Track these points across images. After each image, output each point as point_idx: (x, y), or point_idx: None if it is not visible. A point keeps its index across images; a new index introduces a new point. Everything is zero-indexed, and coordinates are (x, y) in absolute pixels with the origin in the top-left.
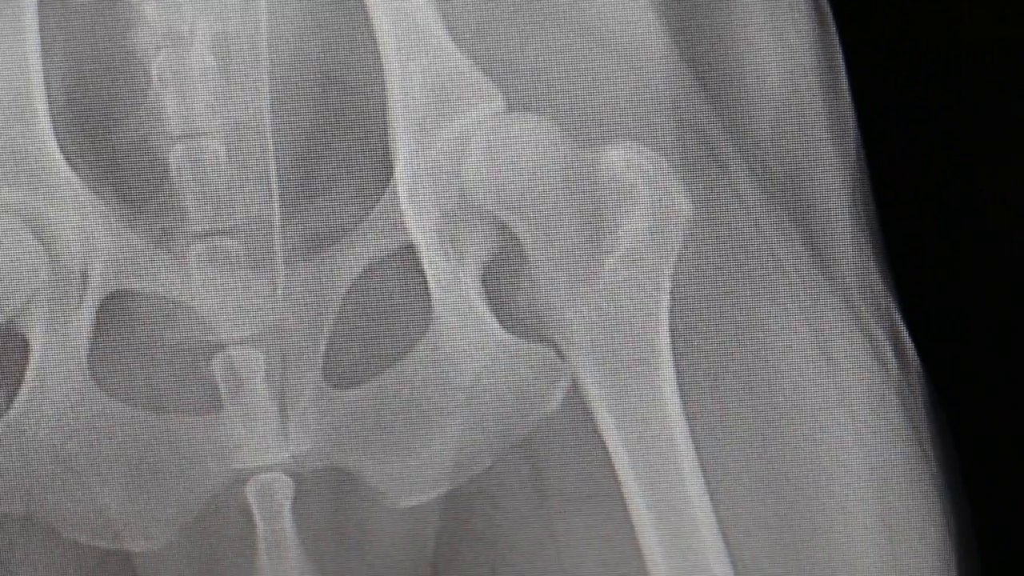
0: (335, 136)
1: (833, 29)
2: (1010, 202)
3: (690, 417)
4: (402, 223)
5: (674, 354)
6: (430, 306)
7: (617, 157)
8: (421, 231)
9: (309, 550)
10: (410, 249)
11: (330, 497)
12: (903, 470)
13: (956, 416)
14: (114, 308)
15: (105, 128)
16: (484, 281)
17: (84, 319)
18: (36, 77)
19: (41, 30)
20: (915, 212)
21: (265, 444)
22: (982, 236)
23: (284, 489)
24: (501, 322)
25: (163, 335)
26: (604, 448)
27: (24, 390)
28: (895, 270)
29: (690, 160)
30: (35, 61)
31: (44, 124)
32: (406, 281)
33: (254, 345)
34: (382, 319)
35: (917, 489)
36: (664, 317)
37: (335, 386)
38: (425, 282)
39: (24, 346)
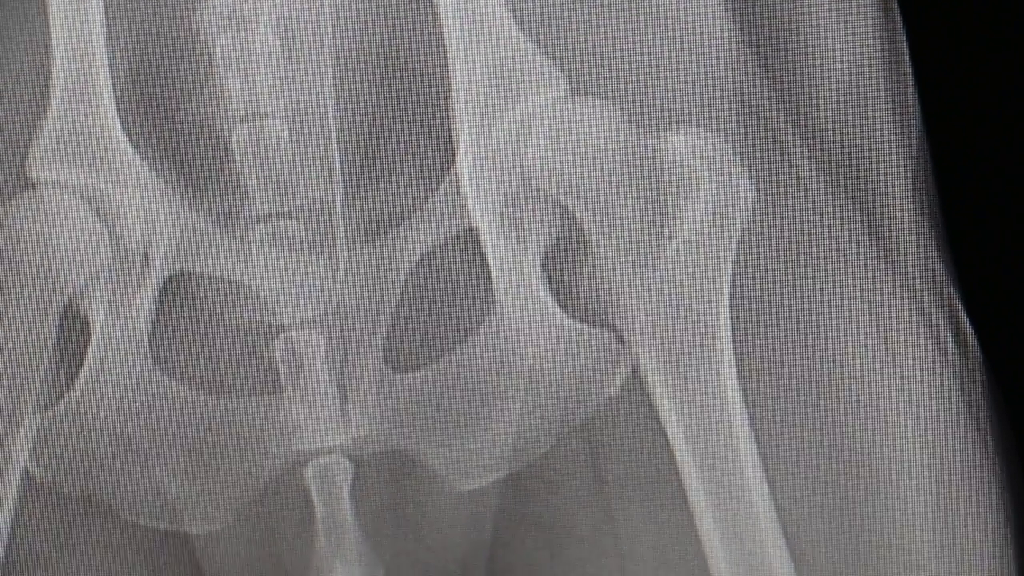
0: (398, 119)
1: (897, 15)
2: None
3: (749, 404)
4: (464, 207)
5: (734, 341)
6: (491, 290)
7: (680, 143)
8: (483, 215)
9: (367, 533)
10: (472, 233)
11: (389, 480)
12: (962, 459)
13: (1017, 406)
14: (175, 290)
15: (168, 109)
16: (545, 265)
17: (145, 300)
18: (100, 58)
19: (105, 10)
20: (977, 200)
21: (325, 427)
22: None
23: (343, 472)
24: (562, 306)
25: (224, 317)
26: (663, 434)
27: (85, 371)
28: (956, 258)
29: (752, 146)
30: (99, 42)
31: (108, 105)
32: (467, 265)
33: (315, 327)
34: (443, 303)
35: (976, 479)
36: (725, 303)
37: (395, 369)
38: (486, 266)
39: (85, 327)
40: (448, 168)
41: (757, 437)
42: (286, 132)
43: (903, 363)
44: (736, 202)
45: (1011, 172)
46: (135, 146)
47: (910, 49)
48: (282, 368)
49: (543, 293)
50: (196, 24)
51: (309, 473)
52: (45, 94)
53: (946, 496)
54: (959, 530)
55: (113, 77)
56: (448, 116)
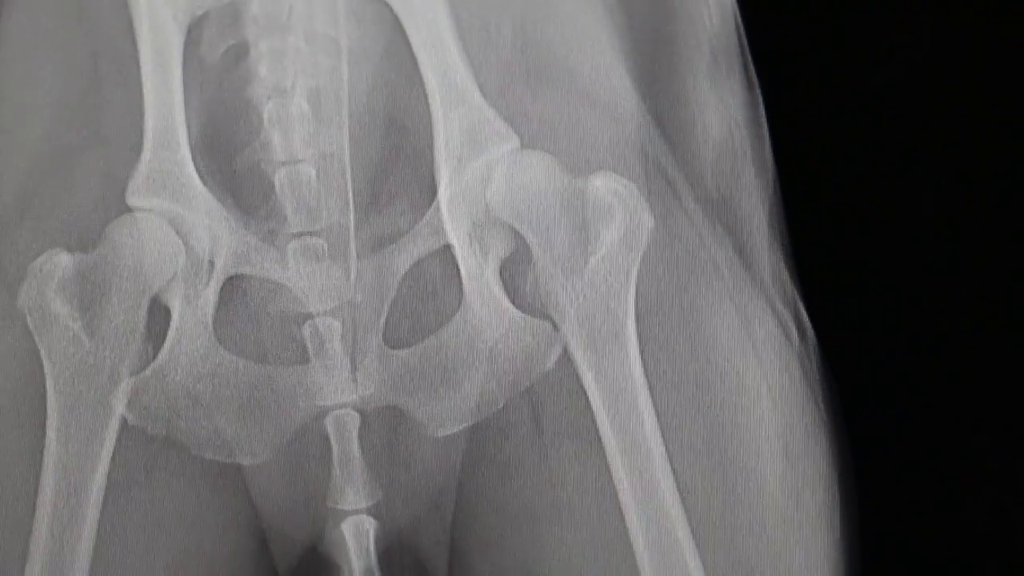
0: (395, 164)
1: (758, 92)
2: (879, 214)
3: (648, 376)
4: (443, 229)
5: (637, 330)
6: (462, 290)
7: (600, 184)
8: (456, 236)
9: (370, 466)
10: (448, 248)
11: (386, 428)
12: (801, 416)
13: (839, 378)
14: (232, 287)
15: (228, 156)
16: (501, 273)
17: (210, 295)
18: (179, 117)
19: (184, 83)
20: (814, 227)
21: (340, 388)
22: (864, 242)
23: (353, 421)
24: (513, 303)
25: (268, 307)
26: (585, 396)
27: (166, 345)
28: (798, 269)
29: (653, 188)
30: (179, 105)
31: (185, 151)
32: (445, 272)
33: (333, 316)
34: (427, 299)
35: (811, 432)
36: (631, 302)
37: (392, 347)
38: (459, 273)
39: (167, 313)
40: (432, 201)
41: (653, 401)
42: (314, 173)
43: (760, 346)
44: (640, 229)
45: (839, 206)
46: (204, 182)
47: (767, 116)
48: (309, 345)
49: (499, 293)
50: (249, 94)
51: (328, 422)
52: (140, 143)
53: (789, 445)
54: (798, 470)
55: (189, 131)
56: (432, 162)
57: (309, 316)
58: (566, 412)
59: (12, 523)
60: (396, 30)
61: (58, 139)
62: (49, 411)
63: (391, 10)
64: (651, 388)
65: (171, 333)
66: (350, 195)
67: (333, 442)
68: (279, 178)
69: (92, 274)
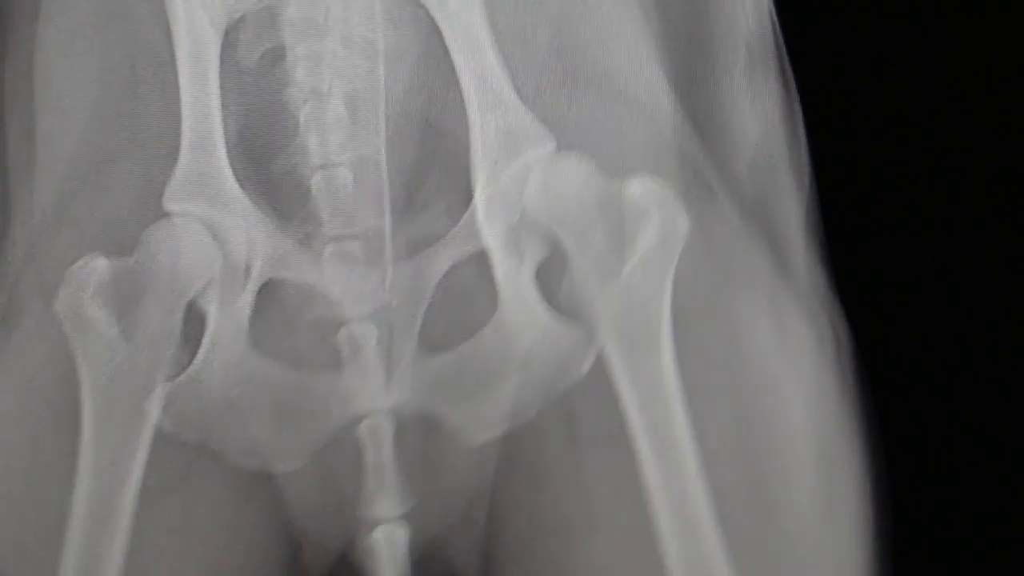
0: (432, 168)
1: (795, 93)
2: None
3: (683, 381)
4: (479, 233)
5: (673, 333)
6: (497, 295)
7: (636, 187)
8: (492, 240)
9: (403, 473)
10: (484, 253)
11: (420, 435)
12: (836, 424)
13: (873, 381)
14: (268, 292)
15: (265, 160)
16: (537, 277)
17: (247, 300)
18: (216, 121)
19: (221, 87)
20: (849, 231)
21: (374, 395)
22: (901, 245)
23: (387, 428)
24: (549, 308)
25: (303, 312)
26: (619, 403)
27: (202, 351)
28: (835, 273)
29: (689, 191)
30: (216, 109)
31: (222, 156)
32: (480, 276)
33: (369, 321)
34: (462, 304)
35: (846, 439)
36: (667, 306)
37: (427, 353)
38: (494, 278)
39: (203, 318)
40: (468, 204)
41: (688, 407)
42: (351, 177)
43: (795, 350)
44: (676, 231)
45: (876, 209)
46: (241, 187)
47: (803, 118)
48: (344, 351)
49: (535, 298)
50: (286, 98)
51: (362, 429)
52: (177, 147)
53: (824, 450)
54: (832, 470)
55: (225, 136)
56: (468, 166)
57: (344, 321)
58: (600, 419)
59: (46, 528)
60: (432, 33)
61: (95, 144)
62: (84, 416)
63: (427, 13)
64: (686, 394)
65: (207, 339)
66: (386, 199)
67: (366, 449)
68: (315, 182)
69: (128, 279)
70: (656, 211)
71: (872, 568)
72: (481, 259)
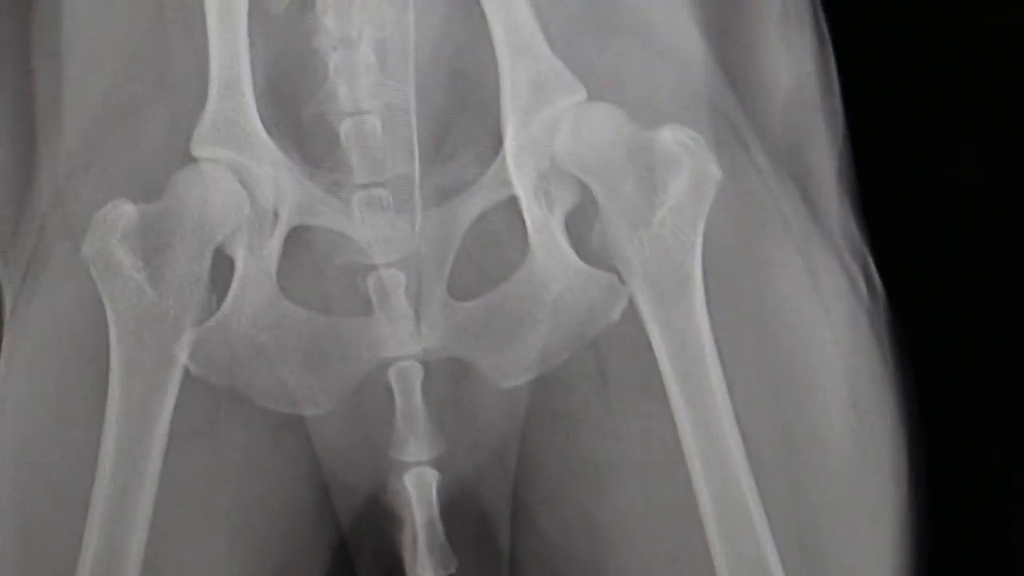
0: (461, 115)
1: (829, 44)
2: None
3: (714, 327)
4: (509, 181)
5: (704, 281)
6: (527, 242)
7: (667, 136)
8: (522, 187)
9: (433, 418)
10: (514, 200)
11: (450, 380)
12: (868, 371)
13: (907, 329)
14: (297, 238)
15: (294, 106)
16: (567, 225)
17: (275, 246)
18: (245, 68)
19: (249, 34)
20: (884, 178)
21: (403, 340)
22: (934, 194)
23: (416, 373)
24: (579, 255)
25: (332, 258)
26: (650, 349)
27: (230, 296)
28: (866, 221)
29: (721, 139)
30: (244, 57)
31: (250, 103)
32: (510, 223)
33: (398, 267)
34: (492, 251)
35: (878, 386)
36: (698, 253)
37: (456, 299)
38: (524, 224)
39: (231, 264)
40: (498, 152)
41: (719, 353)
42: (380, 124)
43: (827, 299)
44: (708, 180)
45: (907, 158)
46: (269, 133)
47: (837, 69)
48: (373, 296)
49: (565, 245)
50: (315, 44)
51: (391, 373)
52: (204, 93)
53: (856, 396)
54: (865, 421)
55: (254, 81)
56: (498, 114)
57: (373, 267)
58: (631, 364)
59: (74, 473)
60: None
61: (123, 88)
62: (112, 361)
63: None
64: (717, 340)
65: (235, 283)
66: (416, 146)
67: (396, 394)
68: (344, 129)
69: (156, 224)
70: (687, 159)
71: (907, 517)
72: (511, 206)
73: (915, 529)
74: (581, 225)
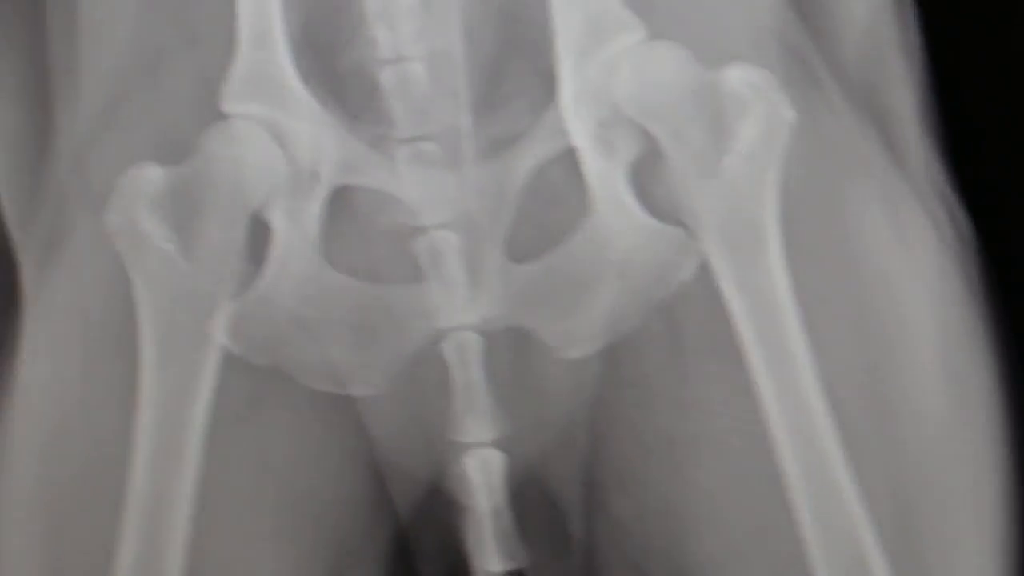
0: (512, 60)
1: None
2: None
3: (793, 284)
4: (565, 130)
5: (781, 234)
6: (588, 197)
7: (735, 76)
8: (581, 137)
9: (494, 393)
10: (572, 152)
11: (511, 351)
12: (961, 324)
13: (1003, 279)
14: (339, 200)
15: (331, 56)
16: (630, 176)
17: (315, 209)
18: (276, 14)
19: None
20: (969, 117)
21: (458, 308)
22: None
23: (475, 345)
24: (644, 209)
25: (377, 221)
26: (726, 310)
27: (268, 266)
28: (953, 164)
29: (792, 78)
30: (276, 2)
31: (284, 53)
32: (569, 177)
33: (450, 229)
34: (550, 207)
35: (972, 341)
36: (774, 204)
37: (514, 261)
38: (584, 178)
39: (268, 231)
40: (552, 99)
41: (800, 311)
42: (424, 72)
43: (913, 248)
44: (780, 123)
45: (993, 95)
46: (305, 85)
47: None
48: (424, 261)
49: (629, 199)
50: None
51: (447, 346)
52: (234, 44)
53: (948, 353)
54: (959, 380)
55: (287, 30)
56: (552, 57)
57: (423, 229)
58: (706, 327)
59: (105, 469)
60: None
61: (145, 41)
62: (143, 343)
63: None
64: (797, 298)
65: (274, 252)
66: (463, 95)
67: (453, 368)
68: (386, 78)
69: (186, 189)
70: (757, 101)
71: (1010, 483)
72: (569, 158)
73: (1019, 494)
74: (646, 176)
